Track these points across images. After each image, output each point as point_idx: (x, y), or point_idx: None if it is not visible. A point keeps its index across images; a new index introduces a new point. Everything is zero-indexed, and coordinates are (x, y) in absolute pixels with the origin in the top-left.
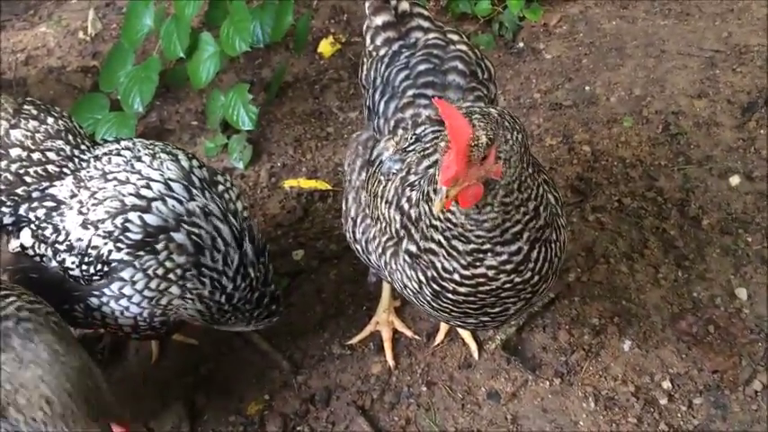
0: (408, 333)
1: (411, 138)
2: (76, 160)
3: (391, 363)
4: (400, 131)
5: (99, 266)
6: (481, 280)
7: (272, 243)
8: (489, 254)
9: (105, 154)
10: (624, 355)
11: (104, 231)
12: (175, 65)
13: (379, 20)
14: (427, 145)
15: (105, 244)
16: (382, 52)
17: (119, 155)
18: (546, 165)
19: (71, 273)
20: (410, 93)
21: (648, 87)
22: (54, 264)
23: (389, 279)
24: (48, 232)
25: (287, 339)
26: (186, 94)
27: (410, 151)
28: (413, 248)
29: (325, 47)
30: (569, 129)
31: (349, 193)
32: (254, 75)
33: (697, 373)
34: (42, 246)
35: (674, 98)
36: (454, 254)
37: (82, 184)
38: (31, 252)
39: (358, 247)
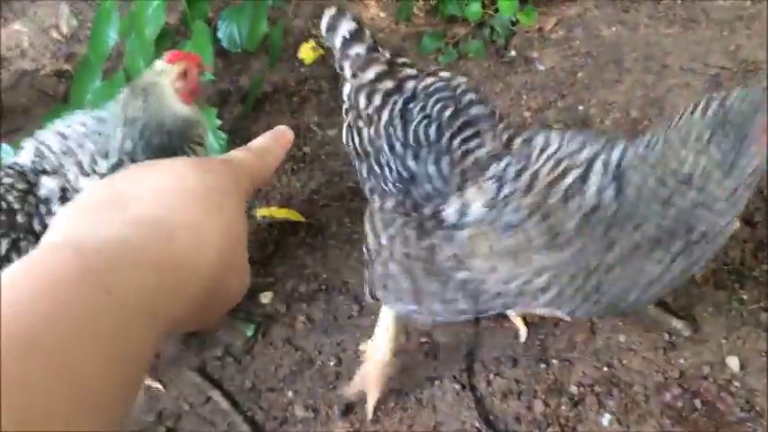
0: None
1: (493, 181)
2: None
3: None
4: (473, 183)
5: None
6: None
7: None
8: None
9: None
10: (603, 431)
11: None
12: None
13: (371, 73)
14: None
15: None
16: (387, 115)
17: None
18: None
19: None
20: (457, 141)
21: (646, 109)
22: None
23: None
24: None
25: (250, 396)
26: None
27: (508, 196)
28: None
29: (307, 52)
30: None
31: (388, 266)
32: (231, 82)
33: None
34: None
35: None
36: None
37: None
38: None
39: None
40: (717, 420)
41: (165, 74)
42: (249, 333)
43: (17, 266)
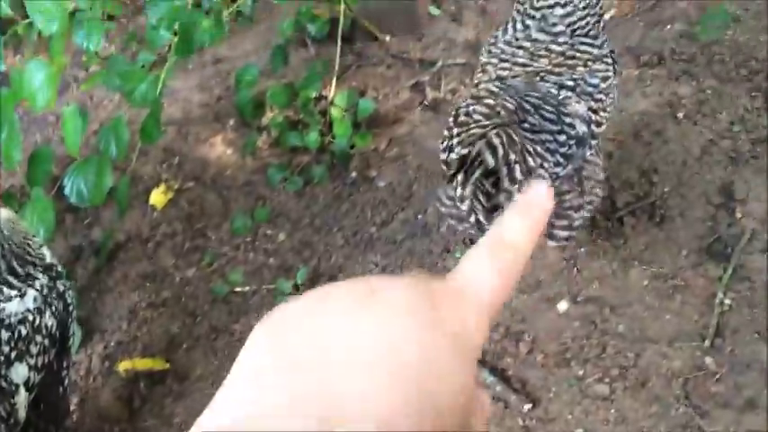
0: None
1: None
2: None
3: None
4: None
5: None
6: None
7: None
8: None
9: None
10: None
11: None
12: None
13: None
14: None
15: None
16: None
17: None
18: None
19: None
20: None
21: None
22: None
23: None
24: None
25: None
26: None
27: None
28: None
29: (157, 197)
30: (406, 265)
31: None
32: (83, 237)
33: None
34: None
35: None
36: None
37: None
38: None
39: None
40: None
41: None
42: None
43: None
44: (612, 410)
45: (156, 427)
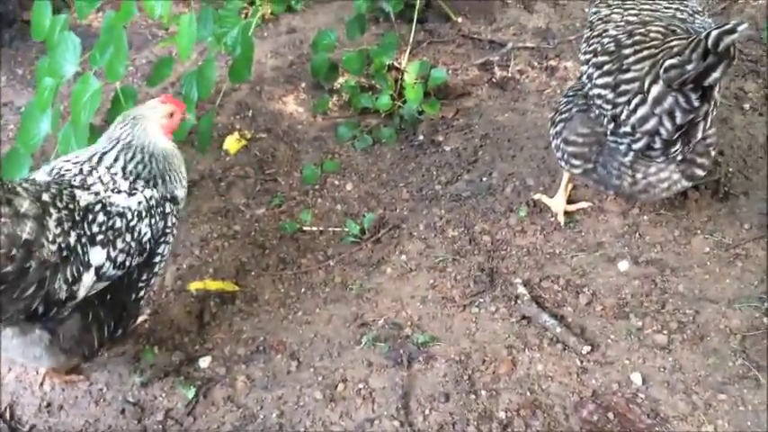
0: None
1: None
2: None
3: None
4: None
5: None
6: None
7: (177, 351)
8: None
9: None
10: None
11: None
12: None
13: None
14: None
15: None
16: None
17: None
18: (449, 256)
19: None
20: None
21: (540, 177)
22: None
23: None
24: None
25: None
26: None
27: None
28: None
29: (231, 143)
30: (470, 219)
31: None
32: None
33: None
34: None
35: None
36: None
37: None
38: None
39: None
40: (629, 428)
41: (155, 110)
42: (190, 395)
43: None
44: (670, 359)
45: (224, 341)
